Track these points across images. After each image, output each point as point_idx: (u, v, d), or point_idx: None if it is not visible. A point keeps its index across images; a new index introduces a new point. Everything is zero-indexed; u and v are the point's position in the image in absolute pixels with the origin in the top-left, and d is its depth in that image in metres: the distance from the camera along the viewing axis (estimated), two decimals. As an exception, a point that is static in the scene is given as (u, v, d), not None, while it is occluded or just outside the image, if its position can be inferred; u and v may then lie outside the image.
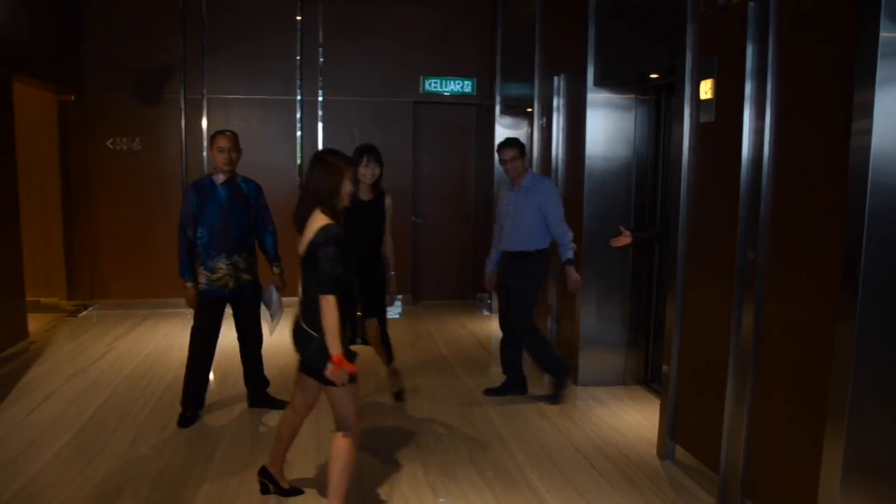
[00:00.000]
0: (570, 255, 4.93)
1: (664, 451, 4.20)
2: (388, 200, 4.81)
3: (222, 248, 4.53)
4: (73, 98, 7.86)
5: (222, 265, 4.54)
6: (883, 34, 2.56)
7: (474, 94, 8.55)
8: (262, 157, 8.06)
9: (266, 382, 4.98)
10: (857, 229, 2.65)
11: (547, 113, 6.29)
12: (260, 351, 4.90)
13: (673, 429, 4.17)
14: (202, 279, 4.55)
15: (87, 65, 7.97)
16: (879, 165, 2.61)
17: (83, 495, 3.60)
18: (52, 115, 7.87)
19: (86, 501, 3.53)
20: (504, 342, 5.27)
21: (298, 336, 3.23)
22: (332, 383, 3.09)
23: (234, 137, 4.59)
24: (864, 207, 2.62)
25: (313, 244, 3.11)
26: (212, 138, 4.62)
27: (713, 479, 3.69)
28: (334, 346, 3.02)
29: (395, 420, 4.75)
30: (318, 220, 3.15)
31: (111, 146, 8.03)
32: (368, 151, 4.70)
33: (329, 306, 3.03)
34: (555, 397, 5.14)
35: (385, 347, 5.00)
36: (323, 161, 3.24)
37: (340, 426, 3.21)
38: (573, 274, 4.95)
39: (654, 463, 4.15)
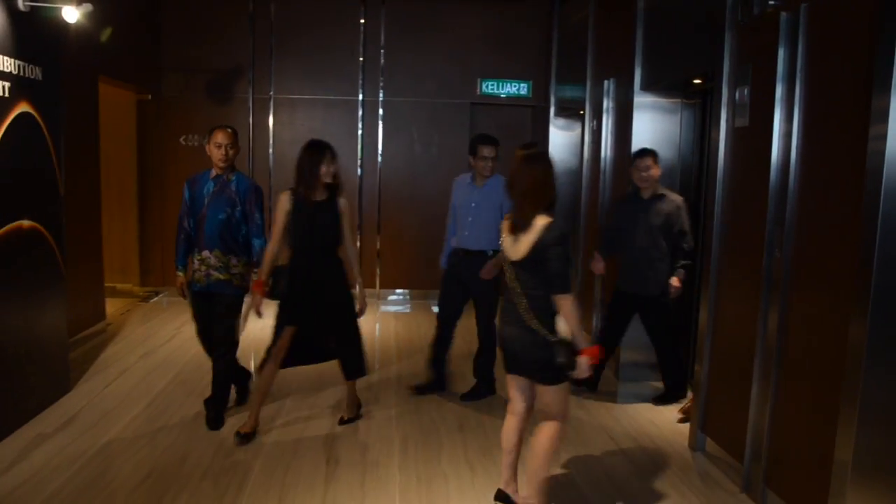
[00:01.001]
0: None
1: (695, 443, 4.35)
2: (341, 201, 4.31)
3: (197, 242, 4.47)
4: (149, 97, 8.37)
5: (195, 260, 4.47)
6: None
7: (530, 96, 8.74)
8: (324, 154, 8.46)
9: (223, 401, 4.61)
10: (871, 233, 2.79)
11: (597, 115, 6.45)
12: (230, 356, 4.55)
13: (704, 421, 4.32)
14: (189, 268, 4.56)
15: (164, 66, 8.47)
16: (894, 170, 2.74)
17: (153, 457, 3.98)
18: (130, 113, 8.39)
19: (156, 462, 3.91)
20: (439, 340, 5.22)
21: (529, 343, 3.15)
22: (553, 382, 3.14)
23: (234, 134, 4.52)
24: (878, 213, 2.76)
25: (542, 244, 3.05)
26: (210, 133, 4.52)
27: (739, 470, 3.84)
28: (583, 341, 3.06)
29: (440, 404, 5.00)
30: (541, 220, 3.09)
31: (183, 143, 8.52)
32: (328, 147, 4.31)
33: (571, 305, 3.04)
34: (470, 395, 5.14)
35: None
36: (543, 159, 3.22)
37: (553, 417, 3.23)
38: (490, 264, 4.87)
39: (686, 454, 4.30)
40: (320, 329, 4.36)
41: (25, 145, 4.42)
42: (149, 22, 8.27)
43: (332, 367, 4.61)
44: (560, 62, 8.14)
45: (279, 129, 8.64)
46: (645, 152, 4.91)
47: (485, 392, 5.17)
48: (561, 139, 7.98)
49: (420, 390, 5.24)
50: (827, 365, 3.15)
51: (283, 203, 4.22)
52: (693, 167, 5.54)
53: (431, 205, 8.18)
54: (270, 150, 8.58)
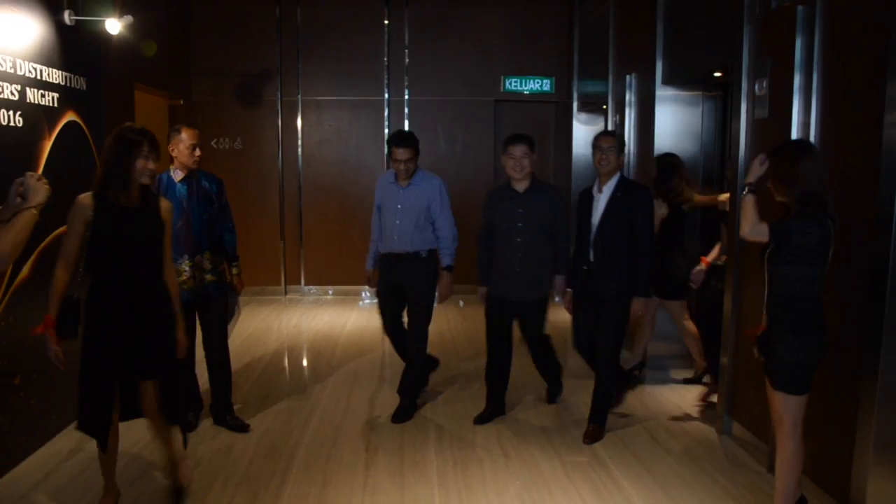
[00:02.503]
0: (449, 262, 4.71)
1: (722, 427, 4.47)
2: (164, 205, 3.32)
3: (184, 249, 4.20)
4: (181, 102, 8.59)
5: (185, 267, 4.21)
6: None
7: (553, 92, 8.86)
8: (351, 154, 8.70)
9: (229, 405, 4.55)
10: (887, 222, 2.90)
11: (620, 110, 6.55)
12: (228, 359, 4.53)
13: (730, 405, 4.43)
14: None
15: (194, 72, 8.72)
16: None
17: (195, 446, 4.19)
18: (163, 117, 8.61)
19: (203, 451, 4.11)
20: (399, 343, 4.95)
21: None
22: (790, 391, 3.04)
23: (198, 134, 4.32)
24: (893, 205, 2.88)
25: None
26: (177, 132, 4.25)
27: (764, 451, 3.95)
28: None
29: (474, 395, 5.16)
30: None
31: (215, 146, 8.75)
32: (146, 136, 3.23)
33: None
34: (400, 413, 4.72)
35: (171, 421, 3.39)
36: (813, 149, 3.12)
37: (778, 430, 3.15)
38: (446, 280, 4.73)
39: (713, 437, 4.42)
40: (138, 373, 3.25)
41: (73, 153, 4.63)
42: (180, 29, 8.50)
43: (370, 363, 4.79)
44: (582, 58, 8.25)
45: (307, 130, 8.85)
46: (519, 138, 4.47)
47: (412, 410, 4.75)
48: (584, 134, 8.07)
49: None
50: (845, 349, 3.26)
51: (82, 210, 3.13)
52: (715, 159, 5.63)
53: (456, 201, 8.26)
54: (299, 151, 8.79)
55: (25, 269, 4.00)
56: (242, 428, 4.44)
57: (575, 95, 8.34)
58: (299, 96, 8.78)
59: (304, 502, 3.56)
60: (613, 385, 4.58)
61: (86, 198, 3.13)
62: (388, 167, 5.02)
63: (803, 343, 2.95)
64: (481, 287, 4.64)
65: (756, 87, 4.07)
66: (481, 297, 4.67)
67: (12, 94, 3.90)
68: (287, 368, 5.97)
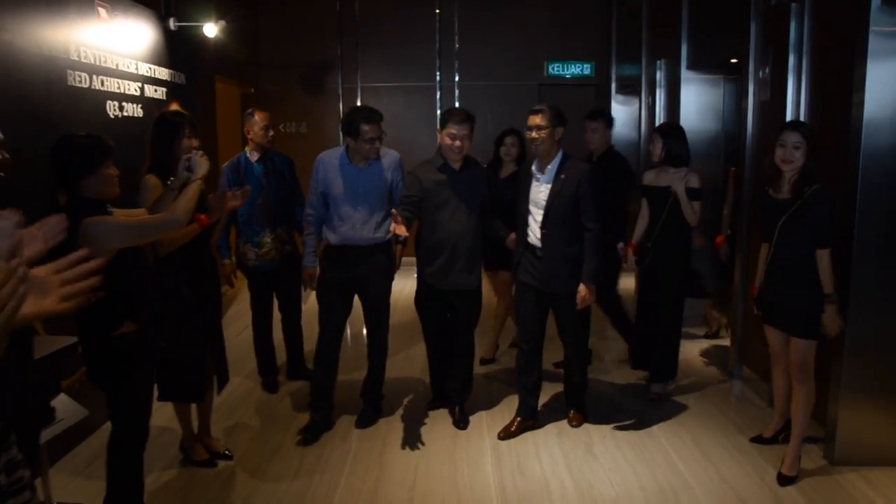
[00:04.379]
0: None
1: (734, 371, 5.13)
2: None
3: (265, 223, 4.63)
4: (252, 91, 9.47)
5: (268, 239, 4.64)
6: (872, 27, 3.43)
7: (593, 75, 9.47)
8: (406, 137, 9.43)
9: (303, 361, 5.09)
10: (852, 192, 3.55)
11: (651, 92, 7.17)
12: (300, 322, 5.04)
13: (740, 353, 5.09)
14: (251, 255, 4.69)
15: (263, 63, 9.58)
16: (870, 132, 3.49)
17: (248, 415, 5.00)
18: (235, 105, 9.51)
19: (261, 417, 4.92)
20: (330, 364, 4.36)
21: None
22: (813, 337, 3.50)
23: (270, 116, 4.77)
24: (857, 175, 3.52)
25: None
26: (250, 114, 4.74)
27: (766, 389, 4.61)
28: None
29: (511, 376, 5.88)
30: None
31: (282, 130, 9.60)
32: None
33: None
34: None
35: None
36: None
37: (801, 372, 3.56)
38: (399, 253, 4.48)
39: (725, 380, 5.09)
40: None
41: (176, 137, 5.50)
42: (249, 25, 9.35)
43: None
44: (619, 43, 8.84)
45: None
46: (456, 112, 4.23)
47: (374, 415, 4.47)
48: (621, 114, 8.68)
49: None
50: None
51: (155, 188, 3.37)
52: (735, 136, 6.22)
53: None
54: (359, 134, 9.59)
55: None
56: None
57: (613, 79, 8.94)
58: (358, 83, 9.56)
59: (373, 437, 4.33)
60: (586, 369, 4.52)
61: (151, 177, 3.42)
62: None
63: (815, 294, 3.47)
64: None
65: (760, 72, 4.69)
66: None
67: (135, 90, 4.76)
68: (348, 331, 6.75)
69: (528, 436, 4.22)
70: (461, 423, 4.37)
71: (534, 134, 3.97)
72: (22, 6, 3.60)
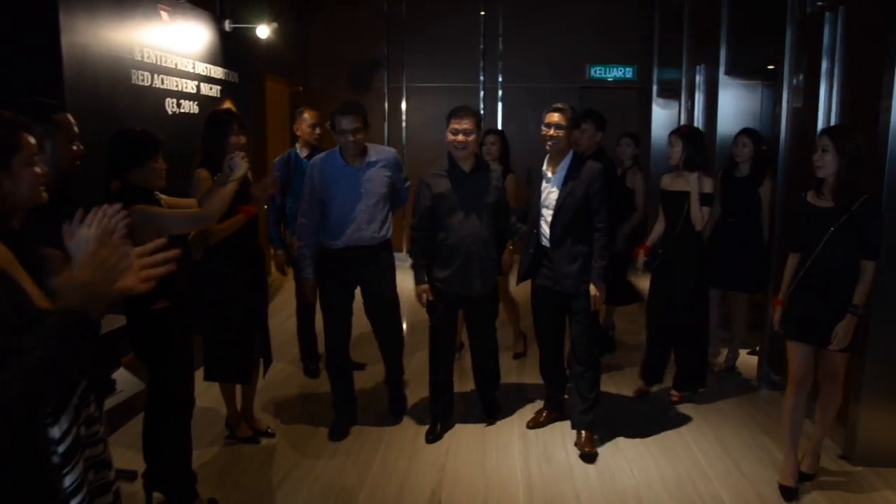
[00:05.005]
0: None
1: (762, 375, 5.21)
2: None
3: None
4: (301, 89, 9.78)
5: None
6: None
7: (635, 79, 9.56)
8: (449, 136, 9.65)
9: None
10: (878, 196, 3.64)
11: (691, 96, 7.25)
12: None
13: (769, 358, 5.17)
14: (296, 246, 4.58)
15: (312, 63, 9.88)
16: (896, 140, 3.58)
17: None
18: (285, 102, 9.83)
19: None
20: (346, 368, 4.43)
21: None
22: (850, 349, 3.45)
23: (319, 114, 4.87)
24: (883, 180, 3.61)
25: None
26: (300, 112, 5.01)
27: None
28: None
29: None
30: None
31: (329, 127, 9.87)
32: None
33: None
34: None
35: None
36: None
37: (834, 382, 3.58)
38: None
39: (754, 383, 5.18)
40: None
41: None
42: (298, 24, 9.66)
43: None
44: (661, 47, 8.91)
45: (411, 114, 9.87)
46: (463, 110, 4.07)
47: (402, 404, 4.61)
48: (662, 117, 8.76)
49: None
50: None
51: (206, 180, 3.58)
52: (773, 140, 6.28)
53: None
54: (403, 133, 9.84)
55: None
56: (359, 366, 5.13)
57: (654, 82, 9.02)
58: (404, 83, 9.80)
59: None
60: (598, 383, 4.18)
61: (202, 171, 3.63)
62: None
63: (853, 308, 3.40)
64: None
65: (794, 78, 4.78)
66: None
67: (192, 88, 5.05)
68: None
69: (556, 426, 4.38)
70: (491, 413, 4.48)
71: (552, 132, 3.90)
72: (93, 11, 3.89)
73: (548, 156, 4.02)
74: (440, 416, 4.31)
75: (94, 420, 1.97)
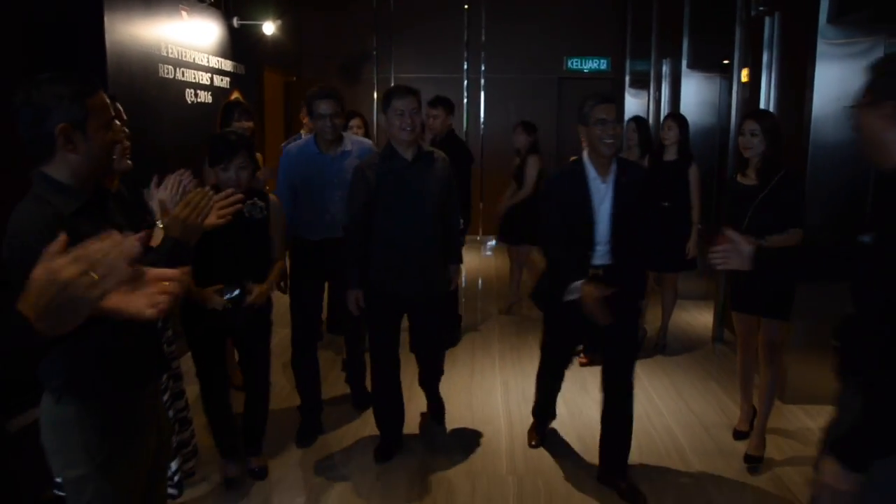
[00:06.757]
0: None
1: (716, 334, 5.88)
2: None
3: None
4: (294, 79, 10.32)
5: None
6: (820, 39, 4.18)
7: (609, 70, 10.20)
8: (435, 124, 10.26)
9: None
10: (802, 175, 4.30)
11: (658, 87, 7.90)
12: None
13: (722, 317, 5.84)
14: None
15: (305, 54, 10.43)
16: (817, 125, 4.24)
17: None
18: (279, 92, 10.36)
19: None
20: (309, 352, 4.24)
21: None
22: (785, 318, 3.77)
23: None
24: (807, 161, 4.27)
25: None
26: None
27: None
28: None
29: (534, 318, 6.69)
30: None
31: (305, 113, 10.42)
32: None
33: None
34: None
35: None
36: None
37: (774, 352, 3.81)
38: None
39: (709, 343, 5.85)
40: None
41: (236, 121, 6.37)
42: (293, 17, 10.20)
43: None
44: (633, 40, 9.56)
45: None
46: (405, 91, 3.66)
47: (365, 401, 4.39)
48: (634, 106, 9.41)
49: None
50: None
51: None
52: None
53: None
54: (391, 121, 10.40)
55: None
56: None
57: (627, 73, 9.66)
58: (392, 74, 10.38)
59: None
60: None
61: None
62: (467, 137, 5.63)
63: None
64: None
65: (742, 74, 5.43)
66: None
67: (206, 80, 5.62)
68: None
69: (532, 372, 4.99)
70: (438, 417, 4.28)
71: (612, 130, 3.24)
72: (129, 12, 4.46)
73: (594, 160, 3.34)
74: (389, 434, 3.98)
75: (180, 376, 2.57)
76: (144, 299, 1.36)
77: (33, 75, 1.78)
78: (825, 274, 2.29)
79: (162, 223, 2.15)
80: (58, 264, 1.17)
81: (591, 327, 3.27)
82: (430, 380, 4.19)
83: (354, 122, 5.43)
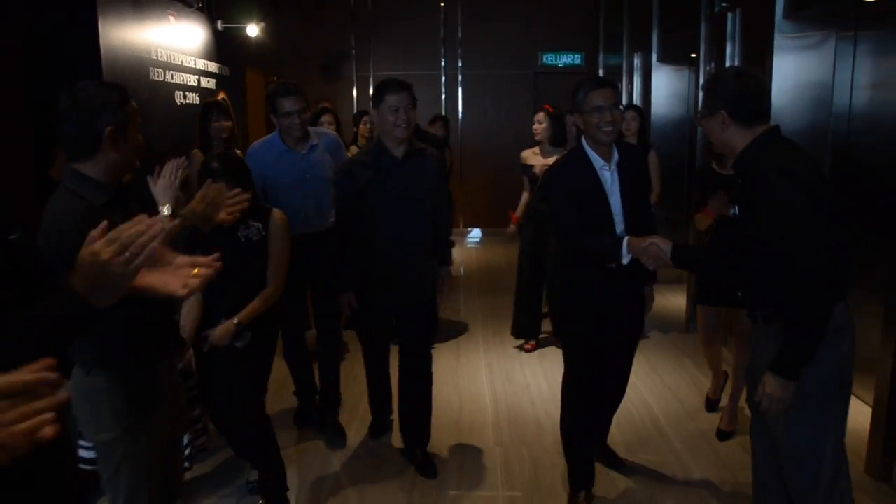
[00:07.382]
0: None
1: (689, 316, 6.14)
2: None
3: None
4: (275, 78, 10.47)
5: None
6: (777, 32, 4.46)
7: (583, 65, 10.47)
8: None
9: None
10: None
11: (630, 80, 8.18)
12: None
13: (694, 307, 6.12)
14: None
15: (284, 53, 10.59)
16: (776, 114, 4.50)
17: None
18: (260, 92, 10.51)
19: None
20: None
21: None
22: None
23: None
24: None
25: None
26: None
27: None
28: None
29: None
30: None
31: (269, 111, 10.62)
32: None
33: None
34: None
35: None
36: None
37: (748, 340, 4.04)
38: None
39: (682, 324, 6.13)
40: None
41: (223, 121, 6.54)
42: (272, 18, 10.37)
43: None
44: (606, 35, 9.83)
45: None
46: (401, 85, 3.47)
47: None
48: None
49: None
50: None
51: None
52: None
53: (501, 160, 10.04)
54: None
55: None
56: None
57: (601, 67, 9.93)
58: (371, 72, 10.58)
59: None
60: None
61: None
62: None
63: None
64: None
65: (707, 65, 5.71)
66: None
67: (194, 82, 5.80)
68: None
69: (515, 354, 5.30)
70: (427, 470, 3.72)
71: (610, 116, 2.98)
72: (120, 17, 4.63)
73: (594, 147, 3.08)
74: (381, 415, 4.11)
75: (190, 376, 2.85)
76: (178, 280, 1.58)
77: (68, 83, 2.00)
78: (726, 262, 2.65)
79: (167, 210, 2.38)
80: (98, 247, 1.38)
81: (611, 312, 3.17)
82: (416, 433, 3.84)
83: (326, 118, 5.43)
